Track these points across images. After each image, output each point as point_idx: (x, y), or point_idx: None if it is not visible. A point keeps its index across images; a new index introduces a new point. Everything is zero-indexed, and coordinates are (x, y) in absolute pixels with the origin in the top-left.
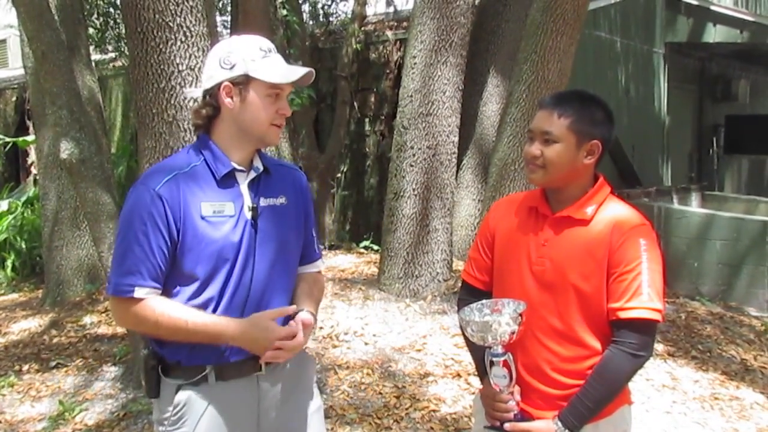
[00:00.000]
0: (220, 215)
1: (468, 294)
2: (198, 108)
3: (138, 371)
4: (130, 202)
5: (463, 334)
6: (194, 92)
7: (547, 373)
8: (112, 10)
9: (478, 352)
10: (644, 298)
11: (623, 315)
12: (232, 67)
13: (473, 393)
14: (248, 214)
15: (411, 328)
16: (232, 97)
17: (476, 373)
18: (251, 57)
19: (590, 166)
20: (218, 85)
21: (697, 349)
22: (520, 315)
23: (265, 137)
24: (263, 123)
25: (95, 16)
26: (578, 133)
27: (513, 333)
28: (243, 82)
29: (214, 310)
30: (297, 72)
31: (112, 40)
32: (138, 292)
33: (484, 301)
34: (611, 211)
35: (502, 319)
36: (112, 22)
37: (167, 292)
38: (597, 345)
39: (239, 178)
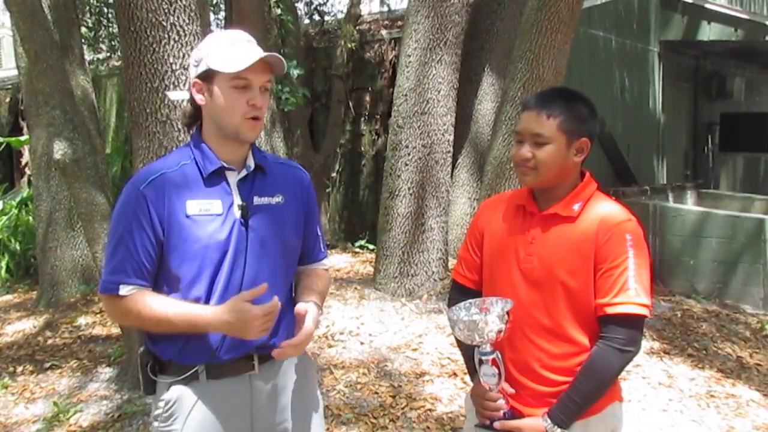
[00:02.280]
0: (206, 213)
1: (459, 293)
2: (183, 108)
3: (133, 372)
4: (119, 201)
5: (453, 333)
6: (176, 95)
7: (536, 371)
8: (105, 9)
9: (468, 350)
10: (631, 293)
11: (610, 310)
12: (198, 64)
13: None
14: (237, 213)
15: (407, 327)
16: (202, 94)
17: (467, 371)
18: (214, 50)
19: (579, 164)
20: (191, 84)
21: (693, 347)
22: (507, 313)
23: (239, 131)
24: (233, 116)
25: (88, 15)
26: (568, 132)
27: (500, 331)
28: (208, 77)
29: None
30: (254, 56)
31: (105, 39)
32: (122, 290)
33: (471, 299)
34: (598, 207)
35: (489, 317)
36: (105, 21)
37: (158, 290)
38: (586, 341)
39: (229, 176)
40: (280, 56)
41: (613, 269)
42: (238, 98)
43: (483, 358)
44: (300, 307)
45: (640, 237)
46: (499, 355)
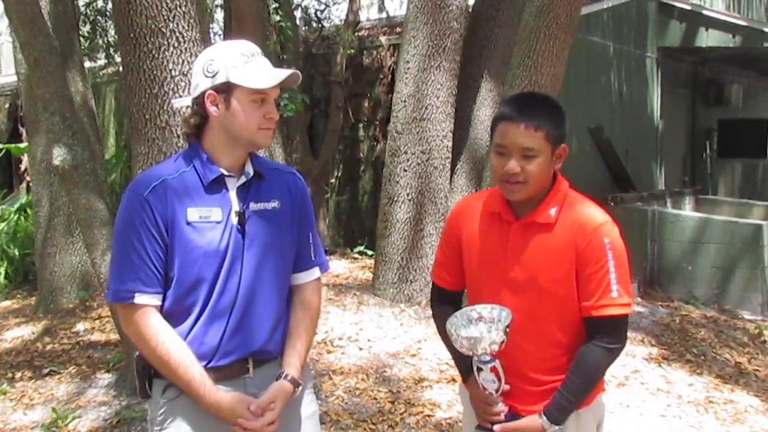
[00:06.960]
0: (206, 221)
1: (439, 295)
2: (186, 117)
3: (132, 378)
4: (122, 209)
5: (441, 336)
6: (182, 101)
7: (526, 374)
8: (100, 18)
9: (458, 352)
10: (614, 294)
11: (595, 313)
12: (214, 75)
13: None
14: (234, 220)
15: (406, 333)
16: (217, 105)
17: (459, 371)
18: (233, 63)
19: (557, 169)
20: (203, 94)
21: (692, 353)
22: (507, 326)
23: (255, 141)
24: (250, 129)
25: (83, 24)
26: (552, 142)
27: (502, 343)
28: (226, 90)
29: (199, 315)
30: (279, 76)
31: (101, 48)
32: (138, 299)
33: (467, 308)
34: (574, 210)
35: (491, 333)
36: (100, 30)
37: None
38: (572, 342)
39: (229, 183)
40: (299, 73)
41: (594, 273)
42: (256, 112)
43: (482, 366)
44: (280, 387)
45: (617, 237)
46: (499, 363)
